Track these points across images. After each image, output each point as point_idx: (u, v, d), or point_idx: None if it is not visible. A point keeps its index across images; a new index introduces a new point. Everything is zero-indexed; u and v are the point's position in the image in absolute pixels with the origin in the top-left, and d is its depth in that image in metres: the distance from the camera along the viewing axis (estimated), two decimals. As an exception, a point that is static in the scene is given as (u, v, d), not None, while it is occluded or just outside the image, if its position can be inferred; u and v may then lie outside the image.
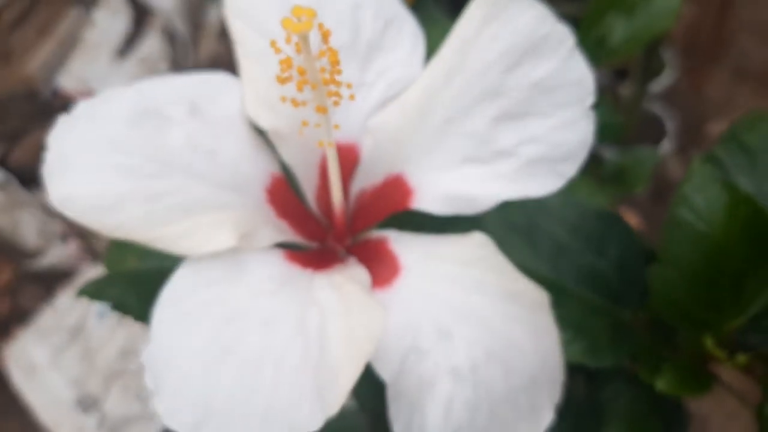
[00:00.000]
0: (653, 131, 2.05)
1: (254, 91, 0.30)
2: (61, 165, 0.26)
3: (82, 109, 0.28)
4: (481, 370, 0.26)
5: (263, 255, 0.27)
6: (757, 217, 0.34)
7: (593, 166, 1.34)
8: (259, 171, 0.30)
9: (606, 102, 0.74)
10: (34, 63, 2.07)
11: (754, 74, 2.07)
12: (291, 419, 0.21)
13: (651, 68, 1.65)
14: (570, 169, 0.29)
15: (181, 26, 2.51)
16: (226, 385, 0.22)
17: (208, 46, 2.57)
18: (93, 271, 1.97)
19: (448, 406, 0.25)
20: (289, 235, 0.31)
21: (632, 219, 1.93)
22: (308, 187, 0.32)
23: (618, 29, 0.69)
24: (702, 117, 2.04)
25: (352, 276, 0.27)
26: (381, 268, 0.29)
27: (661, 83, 2.06)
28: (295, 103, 0.27)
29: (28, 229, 1.98)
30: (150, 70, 2.32)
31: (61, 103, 2.11)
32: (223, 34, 2.61)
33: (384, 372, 0.25)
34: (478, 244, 0.29)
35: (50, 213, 2.01)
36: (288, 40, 0.26)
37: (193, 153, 0.28)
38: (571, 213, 0.42)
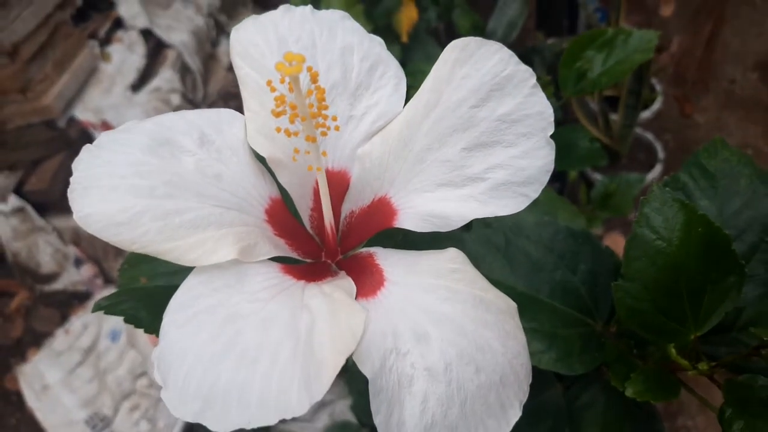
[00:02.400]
0: (645, 157, 2.10)
1: (254, 122, 0.34)
2: (85, 186, 0.29)
3: (104, 138, 0.31)
4: (453, 369, 0.29)
5: (261, 267, 0.31)
6: (712, 235, 0.37)
7: (584, 190, 1.38)
8: (259, 194, 0.34)
9: (584, 131, 0.79)
10: (51, 94, 2.13)
11: (741, 101, 2.13)
12: (282, 405, 0.25)
13: (642, 96, 1.70)
14: (533, 191, 0.32)
15: (193, 61, 2.58)
16: (225, 377, 0.25)
17: (218, 78, 2.64)
18: (105, 294, 1.99)
19: (424, 401, 0.29)
20: (286, 251, 0.34)
21: (621, 243, 1.96)
22: (303, 208, 0.36)
23: (597, 63, 0.73)
24: (692, 142, 2.09)
25: (339, 285, 0.31)
26: (368, 280, 0.33)
27: (651, 110, 2.12)
28: (288, 133, 0.31)
29: (43, 254, 2.02)
30: (162, 101, 2.38)
31: (77, 133, 2.16)
32: (232, 68, 2.68)
33: (366, 370, 0.28)
34: (451, 258, 0.32)
35: (65, 239, 2.05)
36: (282, 80, 0.30)
37: (201, 177, 0.32)
38: (545, 232, 0.46)
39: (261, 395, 0.25)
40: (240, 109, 0.35)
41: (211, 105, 2.52)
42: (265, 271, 0.31)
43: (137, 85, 2.41)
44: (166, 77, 2.43)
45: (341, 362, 0.25)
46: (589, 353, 0.43)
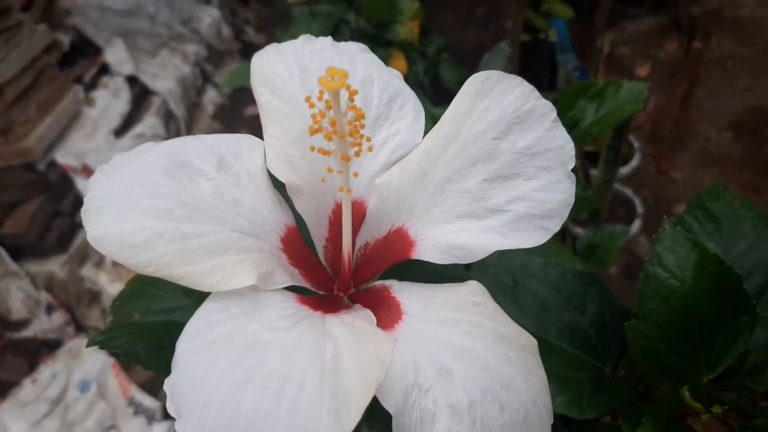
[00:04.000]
0: (624, 211, 2.13)
1: (274, 148, 0.33)
2: (99, 206, 0.28)
3: (120, 159, 0.31)
4: (477, 407, 0.28)
5: (278, 296, 0.30)
6: (725, 275, 0.37)
7: (569, 242, 1.39)
8: (275, 221, 0.33)
9: (577, 179, 0.79)
10: (33, 137, 2.10)
11: (715, 159, 2.19)
12: None
13: (621, 153, 1.73)
14: (554, 225, 0.32)
15: (178, 108, 2.59)
16: (247, 407, 0.24)
17: (202, 126, 2.65)
18: (77, 343, 1.93)
19: None
20: (300, 281, 0.33)
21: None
22: (318, 238, 0.36)
23: (589, 113, 0.75)
24: (669, 198, 2.13)
25: (359, 315, 0.30)
26: (384, 313, 0.32)
27: (630, 166, 2.17)
28: (323, 152, 0.31)
29: (14, 300, 1.95)
30: (145, 146, 2.36)
31: (57, 177, 2.13)
32: (216, 116, 2.69)
33: (389, 405, 0.27)
34: (472, 292, 0.31)
35: (38, 284, 1.99)
36: (320, 98, 0.30)
37: (220, 201, 0.31)
38: (553, 273, 0.46)
39: (287, 428, 0.23)
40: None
41: (194, 152, 2.51)
42: (282, 300, 0.29)
43: (120, 131, 2.40)
44: (149, 123, 2.43)
45: (371, 393, 0.24)
46: (599, 397, 0.42)
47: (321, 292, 0.35)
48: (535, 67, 1.97)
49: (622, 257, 1.99)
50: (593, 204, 0.77)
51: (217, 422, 0.23)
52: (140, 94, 2.59)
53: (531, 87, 0.33)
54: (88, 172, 2.21)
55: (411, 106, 0.36)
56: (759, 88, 2.36)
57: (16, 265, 2.02)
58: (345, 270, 0.34)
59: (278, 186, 0.34)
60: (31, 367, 1.92)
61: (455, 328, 0.30)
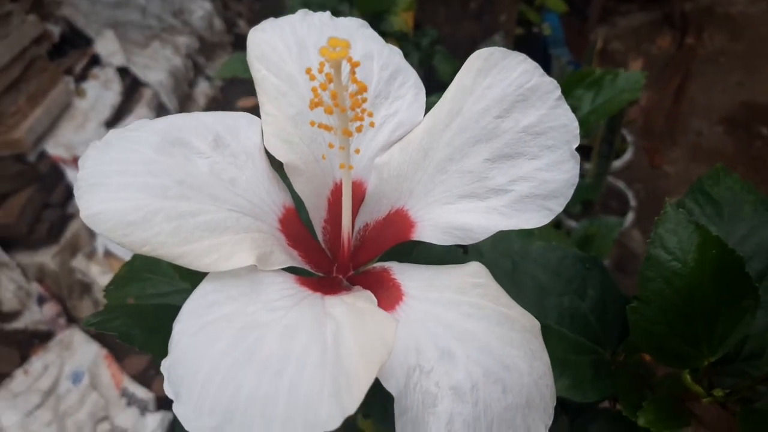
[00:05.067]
0: (618, 204, 2.14)
1: (271, 126, 0.33)
2: (92, 184, 0.27)
3: (112, 136, 0.30)
4: (480, 388, 0.28)
5: (277, 276, 0.29)
6: (727, 257, 0.37)
7: (564, 234, 1.39)
8: (273, 201, 0.32)
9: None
10: (23, 128, 2.08)
11: (707, 153, 2.20)
12: (311, 419, 0.22)
13: (615, 146, 1.74)
14: (557, 205, 0.31)
15: (169, 100, 2.57)
16: (246, 388, 0.23)
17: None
18: (68, 334, 1.91)
19: (449, 423, 0.27)
20: (299, 263, 0.32)
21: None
22: (316, 219, 0.35)
23: (587, 101, 0.74)
24: (661, 192, 2.14)
25: (360, 296, 0.29)
26: (384, 295, 0.31)
27: (623, 159, 2.17)
28: (323, 126, 0.30)
29: (5, 291, 1.93)
30: (134, 137, 2.35)
31: (47, 168, 2.11)
32: (208, 108, 2.67)
33: (391, 387, 0.27)
34: (474, 273, 0.31)
35: (29, 275, 1.97)
36: (320, 70, 0.29)
37: (216, 180, 0.30)
38: (553, 257, 0.45)
39: (287, 408, 0.22)
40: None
41: (186, 144, 2.50)
42: (281, 281, 0.29)
43: (111, 122, 2.38)
44: (141, 115, 2.41)
45: (373, 373, 0.23)
46: (600, 380, 0.42)
47: (320, 274, 0.34)
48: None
49: (615, 250, 1.99)
50: (589, 192, 0.77)
51: (216, 404, 0.23)
52: (131, 86, 2.57)
53: (535, 64, 0.32)
54: (78, 163, 2.19)
55: (411, 83, 0.35)
56: (750, 84, 2.37)
57: (6, 257, 2.00)
58: (344, 251, 0.34)
59: (276, 166, 0.33)
60: (23, 358, 1.90)
61: (457, 310, 0.30)
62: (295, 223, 0.33)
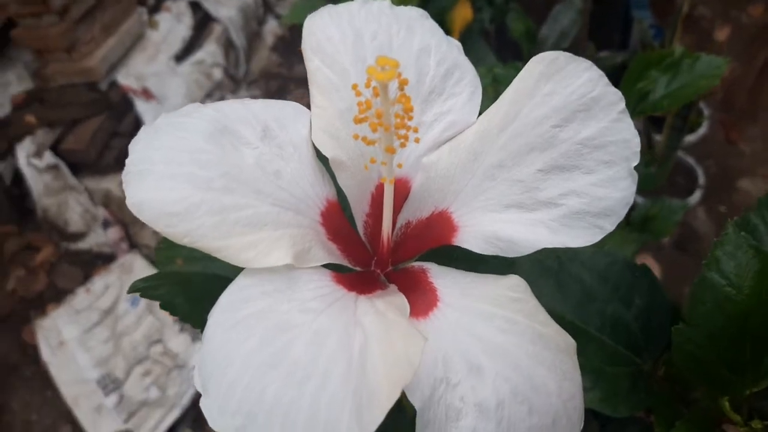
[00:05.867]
0: (685, 181, 2.05)
1: (321, 120, 0.32)
2: (141, 171, 0.28)
3: (163, 121, 0.30)
4: (505, 407, 0.27)
5: (313, 274, 0.29)
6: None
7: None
8: (316, 194, 0.32)
9: (641, 153, 0.76)
10: (96, 57, 2.14)
11: (789, 135, 2.06)
12: None
13: (689, 120, 1.65)
14: (609, 224, 0.30)
15: (238, 37, 2.58)
16: (271, 393, 0.23)
17: (261, 57, 2.65)
18: (129, 258, 2.01)
19: None
20: (337, 257, 0.32)
21: (654, 266, 1.92)
22: (358, 212, 0.35)
23: (661, 85, 0.70)
24: (733, 171, 2.03)
25: (393, 303, 0.29)
26: (419, 298, 0.31)
27: (697, 134, 2.06)
28: (367, 141, 0.29)
29: (72, 213, 2.04)
30: (204, 74, 2.39)
31: (117, 97, 2.18)
32: (276, 48, 2.68)
33: (415, 399, 0.27)
34: (513, 286, 0.30)
35: (95, 200, 2.07)
36: (368, 85, 0.28)
37: (261, 172, 0.30)
38: (601, 261, 0.44)
39: (308, 419, 0.23)
40: (281, 89, 0.33)
41: (252, 83, 2.52)
42: (317, 279, 0.29)
43: (181, 56, 2.42)
44: (210, 51, 2.43)
45: (396, 393, 0.23)
46: (636, 394, 0.41)
47: (358, 269, 0.34)
48: (608, 22, 1.87)
49: (677, 229, 1.92)
50: (654, 182, 0.74)
51: (240, 405, 0.23)
52: (202, 20, 2.59)
53: (600, 73, 0.30)
54: (147, 94, 2.25)
55: (468, 81, 0.34)
56: None
57: (75, 180, 2.10)
58: (383, 250, 0.33)
59: (322, 158, 0.33)
60: (86, 277, 2.02)
61: (491, 323, 0.29)
62: (336, 216, 0.33)
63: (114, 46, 2.24)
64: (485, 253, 0.31)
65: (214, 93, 2.41)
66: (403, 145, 0.30)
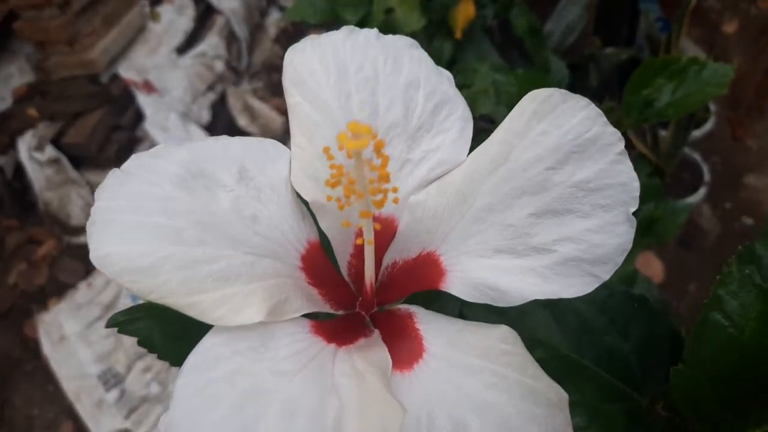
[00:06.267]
0: (690, 177, 2.02)
1: (300, 160, 0.30)
2: (105, 221, 0.26)
3: (133, 163, 0.28)
4: None
5: (289, 327, 0.28)
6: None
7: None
8: (296, 238, 0.30)
9: (643, 163, 0.74)
10: (97, 49, 2.12)
11: (798, 131, 2.03)
12: None
13: (695, 116, 1.62)
14: (605, 272, 0.28)
15: (240, 29, 2.55)
16: None
17: (264, 49, 2.62)
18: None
19: None
20: (318, 303, 0.31)
21: (656, 265, 1.90)
22: (342, 254, 0.33)
23: (666, 92, 0.68)
24: (739, 168, 2.00)
25: (374, 359, 0.28)
26: (404, 347, 0.29)
27: (702, 130, 2.03)
28: (341, 204, 0.28)
29: (74, 206, 2.03)
30: (206, 67, 2.37)
31: (119, 90, 2.16)
32: (278, 40, 2.65)
33: None
34: (503, 338, 0.29)
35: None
36: (341, 147, 0.27)
37: (236, 218, 0.28)
38: (599, 292, 0.42)
39: None
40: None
41: (254, 75, 2.50)
42: (293, 332, 0.27)
43: (183, 48, 2.40)
44: (212, 43, 2.41)
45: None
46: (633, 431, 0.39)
47: (340, 312, 0.32)
48: (615, 16, 1.83)
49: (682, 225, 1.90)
50: (659, 193, 0.71)
51: None
52: (204, 12, 2.56)
53: (598, 111, 0.29)
54: (149, 87, 2.23)
55: (458, 116, 0.32)
56: None
57: (76, 173, 2.08)
58: (367, 295, 0.32)
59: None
60: (87, 271, 2.01)
61: (478, 377, 0.28)
62: (318, 259, 0.31)
63: (115, 38, 2.22)
64: (473, 301, 0.30)
65: (216, 85, 2.39)
66: (379, 206, 0.28)
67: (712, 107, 2.02)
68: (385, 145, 0.30)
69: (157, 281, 0.25)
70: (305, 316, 0.29)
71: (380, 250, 0.33)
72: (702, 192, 1.91)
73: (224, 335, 0.26)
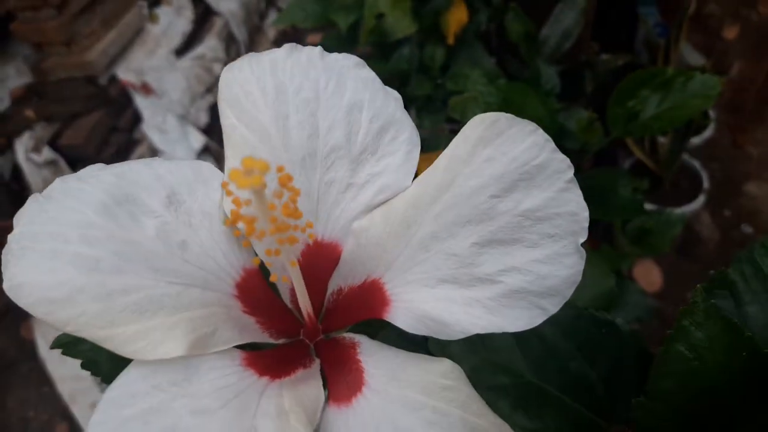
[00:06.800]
0: (689, 185, 2.00)
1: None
2: (22, 249, 0.25)
3: (57, 187, 0.27)
4: None
5: (217, 360, 0.26)
6: (757, 364, 0.32)
7: (618, 224, 1.31)
8: (230, 265, 0.29)
9: (626, 177, 0.72)
10: (96, 51, 2.11)
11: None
12: None
13: (694, 121, 1.60)
14: (552, 305, 0.27)
15: (239, 31, 2.54)
16: None
17: (263, 50, 2.60)
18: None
19: None
20: (255, 334, 0.30)
21: (655, 273, 1.88)
22: (281, 280, 0.31)
23: (651, 104, 0.67)
24: (739, 175, 1.98)
25: (305, 396, 0.26)
26: (344, 380, 0.28)
27: (702, 136, 2.01)
28: (247, 243, 0.27)
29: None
30: (204, 69, 2.36)
31: (117, 92, 2.15)
32: (277, 42, 2.64)
33: None
34: (445, 373, 0.27)
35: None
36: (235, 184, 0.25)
37: (162, 245, 0.27)
38: (565, 314, 0.40)
39: None
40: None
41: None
42: (221, 365, 0.26)
43: (181, 50, 2.39)
44: (210, 45, 2.40)
45: None
46: (596, 463, 0.38)
47: (282, 341, 0.31)
48: (613, 21, 1.81)
49: (680, 233, 1.88)
50: (641, 210, 0.70)
51: None
52: (203, 14, 2.56)
53: (546, 137, 0.27)
54: (147, 89, 2.22)
55: (404, 138, 0.31)
56: None
57: (73, 176, 2.07)
58: (309, 324, 0.31)
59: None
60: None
61: (419, 414, 0.26)
62: (256, 286, 0.30)
63: (114, 39, 2.21)
64: (416, 332, 0.28)
65: (214, 88, 2.38)
66: (292, 242, 0.27)
67: (712, 113, 2.00)
68: (298, 177, 0.29)
69: (73, 313, 0.24)
70: (248, 346, 0.28)
71: (325, 275, 0.31)
72: (701, 199, 1.89)
73: (146, 368, 0.25)
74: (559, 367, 0.40)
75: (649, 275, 1.90)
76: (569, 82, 1.44)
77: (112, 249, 0.26)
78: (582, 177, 0.80)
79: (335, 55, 0.31)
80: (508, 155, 0.27)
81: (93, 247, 0.25)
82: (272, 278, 0.29)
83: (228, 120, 0.30)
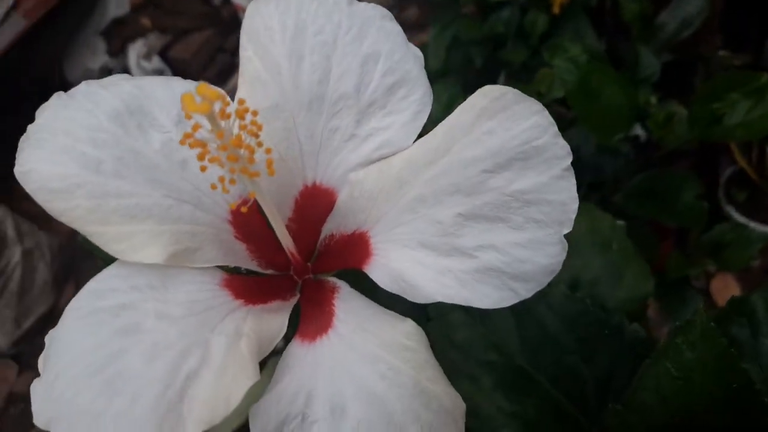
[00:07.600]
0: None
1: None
2: (38, 139, 0.27)
3: (81, 89, 0.29)
4: None
5: (198, 275, 0.28)
6: (747, 400, 0.30)
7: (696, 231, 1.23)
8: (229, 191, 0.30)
9: (693, 182, 0.68)
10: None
11: None
12: None
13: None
14: (526, 290, 0.26)
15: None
16: (83, 400, 0.23)
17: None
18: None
19: None
20: (243, 259, 0.31)
21: (733, 289, 1.76)
22: (282, 216, 0.32)
23: (740, 110, 0.62)
24: None
25: (266, 326, 0.27)
26: (316, 318, 0.29)
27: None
28: (203, 168, 0.28)
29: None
30: None
31: (229, 15, 2.22)
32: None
33: (255, 429, 0.25)
34: (407, 333, 0.28)
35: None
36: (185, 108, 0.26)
37: (163, 160, 0.29)
38: (572, 309, 0.40)
39: None
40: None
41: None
42: (200, 281, 0.28)
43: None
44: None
45: (201, 429, 0.22)
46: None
47: (269, 272, 0.32)
48: (744, 13, 1.66)
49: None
50: (702, 219, 0.65)
51: (58, 401, 0.23)
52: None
53: (551, 120, 0.26)
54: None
55: (416, 98, 0.30)
56: None
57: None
58: (295, 260, 0.32)
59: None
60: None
61: (373, 367, 0.27)
62: (253, 216, 0.31)
63: (234, -38, 2.26)
64: (388, 289, 0.29)
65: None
66: (252, 176, 0.27)
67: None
68: (335, 105, 0.30)
69: (68, 205, 0.26)
70: (235, 271, 0.30)
71: (320, 218, 0.32)
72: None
73: (129, 268, 0.27)
74: (554, 359, 0.39)
75: (726, 290, 1.79)
76: (679, 74, 1.35)
77: (115, 154, 0.28)
78: (649, 176, 0.76)
79: (364, 3, 0.31)
80: (509, 131, 0.26)
81: (98, 150, 0.27)
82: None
83: (245, 52, 0.31)
